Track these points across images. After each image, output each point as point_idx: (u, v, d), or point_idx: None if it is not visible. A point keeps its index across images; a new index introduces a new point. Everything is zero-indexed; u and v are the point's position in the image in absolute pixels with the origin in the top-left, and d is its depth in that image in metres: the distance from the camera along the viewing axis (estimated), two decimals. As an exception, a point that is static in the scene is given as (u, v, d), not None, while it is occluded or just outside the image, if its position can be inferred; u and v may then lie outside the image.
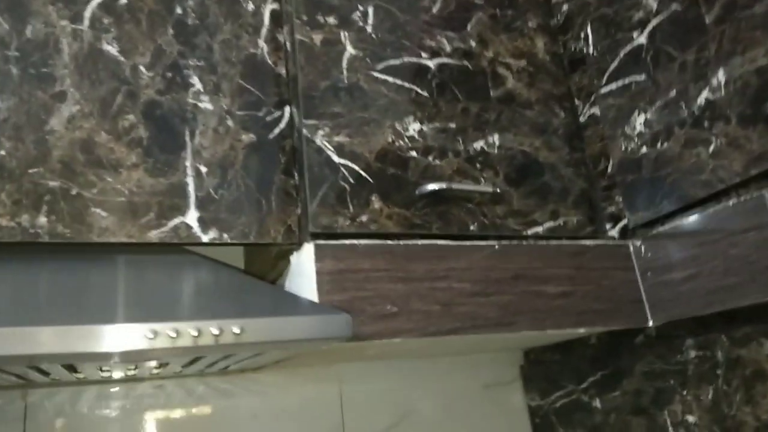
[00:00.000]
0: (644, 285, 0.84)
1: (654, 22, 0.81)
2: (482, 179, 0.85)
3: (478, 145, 0.86)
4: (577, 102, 0.95)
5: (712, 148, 0.72)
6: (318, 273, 0.70)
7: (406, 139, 0.81)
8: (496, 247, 0.80)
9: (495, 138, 0.87)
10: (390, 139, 0.80)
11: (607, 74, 0.89)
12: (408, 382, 1.14)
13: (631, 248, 0.87)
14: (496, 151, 0.87)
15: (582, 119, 0.94)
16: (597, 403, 1.03)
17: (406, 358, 1.13)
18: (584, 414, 1.05)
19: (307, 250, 0.72)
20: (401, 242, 0.76)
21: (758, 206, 0.68)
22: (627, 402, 0.97)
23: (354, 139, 0.78)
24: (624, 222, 0.87)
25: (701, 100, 0.73)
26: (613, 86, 0.88)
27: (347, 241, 0.73)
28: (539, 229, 0.85)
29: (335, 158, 0.77)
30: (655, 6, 0.80)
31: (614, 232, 0.88)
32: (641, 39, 0.83)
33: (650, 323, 0.83)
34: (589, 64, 0.92)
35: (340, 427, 1.06)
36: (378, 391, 1.11)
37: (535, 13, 0.98)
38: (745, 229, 0.70)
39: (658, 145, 0.80)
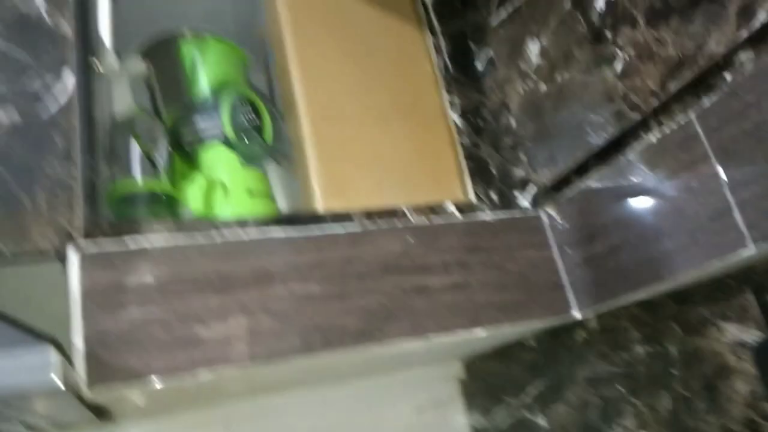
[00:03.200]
0: (564, 264, 0.64)
1: None
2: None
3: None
4: (473, 46, 0.76)
5: (619, 65, 0.52)
6: (84, 289, 0.50)
7: None
8: (357, 230, 0.60)
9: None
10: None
11: (496, 2, 0.69)
12: (318, 418, 0.93)
13: (544, 218, 0.66)
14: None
15: (479, 66, 0.75)
16: (542, 420, 0.82)
17: (314, 385, 0.92)
18: (530, 434, 0.84)
19: (73, 259, 0.51)
20: (218, 239, 0.55)
21: (687, 136, 0.48)
22: (573, 417, 0.76)
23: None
24: (535, 186, 0.67)
25: (600, 3, 0.54)
26: (503, 15, 0.68)
27: (134, 243, 0.53)
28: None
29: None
30: None
31: (525, 201, 0.68)
32: (527, -55, 0.63)
33: (576, 314, 0.63)
34: (477, -6, 0.73)
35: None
36: (283, 428, 0.90)
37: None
38: (674, 171, 0.50)
39: (558, 77, 0.60)
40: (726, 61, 0.44)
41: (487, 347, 0.91)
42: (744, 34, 0.41)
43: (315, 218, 0.61)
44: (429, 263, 0.60)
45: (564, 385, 0.77)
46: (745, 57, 0.43)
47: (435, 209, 0.65)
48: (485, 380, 0.96)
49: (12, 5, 0.61)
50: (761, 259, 0.51)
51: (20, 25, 0.61)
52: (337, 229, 0.60)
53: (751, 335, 0.52)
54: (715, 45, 0.43)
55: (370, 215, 0.63)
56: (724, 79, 0.45)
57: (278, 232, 0.58)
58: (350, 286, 0.57)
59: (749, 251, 0.44)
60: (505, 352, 0.90)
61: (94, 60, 0.62)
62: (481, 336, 0.60)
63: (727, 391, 0.55)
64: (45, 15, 0.62)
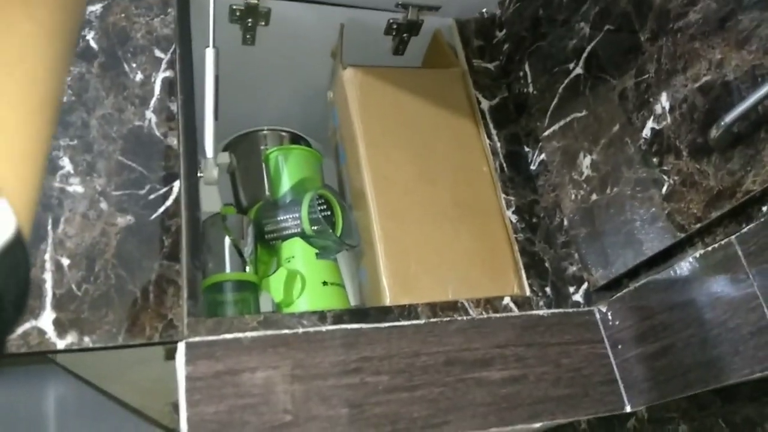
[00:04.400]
0: (615, 360, 0.68)
1: (589, 48, 0.69)
2: (409, 246, 0.72)
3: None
4: (526, 149, 0.83)
5: (665, 188, 0.58)
6: (188, 378, 0.57)
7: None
8: (421, 323, 0.66)
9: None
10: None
11: (548, 114, 0.77)
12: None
13: (597, 315, 0.71)
14: (426, 211, 0.75)
15: (533, 167, 0.82)
16: (593, 505, 0.84)
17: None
18: None
19: (180, 350, 0.59)
20: (300, 330, 0.63)
21: (728, 256, 0.53)
22: (624, 504, 0.78)
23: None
24: (587, 285, 0.73)
25: (647, 132, 0.60)
26: (555, 127, 0.75)
27: (230, 335, 0.61)
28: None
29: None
30: (588, 30, 0.69)
31: (578, 297, 0.74)
32: (578, 69, 0.71)
33: (627, 408, 0.67)
34: (531, 105, 0.81)
35: None
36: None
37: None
38: (717, 285, 0.55)
39: (608, 190, 0.66)
40: (762, 196, 0.50)
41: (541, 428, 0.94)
42: (777, 177, 0.47)
43: (384, 311, 0.68)
44: (488, 357, 0.66)
45: (615, 471, 0.80)
46: (780, 194, 0.49)
47: (493, 303, 0.71)
48: (536, 459, 0.98)
49: (127, 119, 0.72)
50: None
51: (134, 137, 0.71)
52: (403, 322, 0.66)
53: (797, 441, 0.56)
54: (751, 183, 0.49)
55: (433, 309, 0.69)
56: (761, 210, 0.51)
57: (352, 325, 0.65)
58: (416, 377, 0.63)
59: (788, 368, 0.48)
60: (556, 433, 0.93)
61: (198, 169, 0.72)
62: (537, 428, 0.65)
63: (775, 493, 0.58)
64: (155, 128, 0.72)
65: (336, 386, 0.61)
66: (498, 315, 0.69)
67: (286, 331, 0.63)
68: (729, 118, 0.48)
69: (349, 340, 0.63)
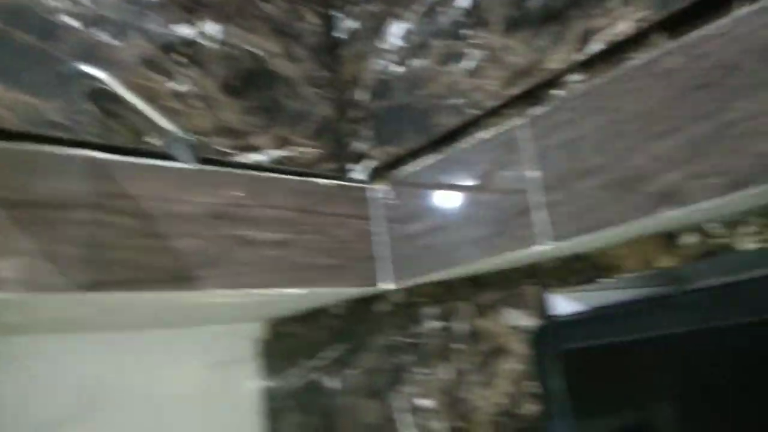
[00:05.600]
0: (382, 238, 0.68)
1: None
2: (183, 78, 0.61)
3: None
4: (335, 12, 0.76)
5: (470, 63, 0.57)
6: None
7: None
8: (189, 169, 0.57)
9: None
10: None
11: (366, -26, 0.70)
12: (101, 362, 0.87)
13: (373, 193, 0.69)
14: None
15: (337, 33, 0.75)
16: (335, 383, 0.86)
17: (104, 331, 0.85)
18: (321, 396, 0.88)
19: None
20: (22, 147, 0.49)
21: (513, 140, 0.54)
22: (363, 382, 0.81)
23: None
24: (371, 161, 0.70)
25: (465, 2, 0.57)
26: (371, -11, 0.69)
27: None
28: (260, 158, 0.64)
29: None
30: None
31: (359, 173, 0.71)
32: (406, -73, 0.65)
33: (384, 286, 0.67)
34: (348, -39, 0.73)
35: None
36: (55, 372, 0.82)
37: None
38: (494, 168, 0.56)
39: (413, 62, 0.63)
40: (560, 78, 0.50)
41: (294, 310, 0.93)
42: (579, 57, 0.47)
43: (142, 148, 0.57)
44: (259, 216, 0.60)
45: (360, 351, 0.81)
46: (576, 77, 0.49)
47: (273, 167, 0.64)
48: (285, 343, 0.97)
49: None
50: (549, 257, 0.59)
51: None
52: (165, 163, 0.56)
53: (529, 321, 0.61)
54: (555, 62, 0.49)
55: (206, 159, 0.60)
56: (555, 94, 0.51)
57: (96, 153, 0.53)
58: (173, 226, 0.54)
59: (540, 248, 0.50)
60: (309, 317, 0.93)
61: None
62: (296, 294, 0.61)
63: (497, 369, 0.63)
64: None
65: (65, 220, 0.49)
66: (278, 176, 0.63)
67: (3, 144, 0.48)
68: (551, -13, 0.46)
69: (89, 170, 0.51)
